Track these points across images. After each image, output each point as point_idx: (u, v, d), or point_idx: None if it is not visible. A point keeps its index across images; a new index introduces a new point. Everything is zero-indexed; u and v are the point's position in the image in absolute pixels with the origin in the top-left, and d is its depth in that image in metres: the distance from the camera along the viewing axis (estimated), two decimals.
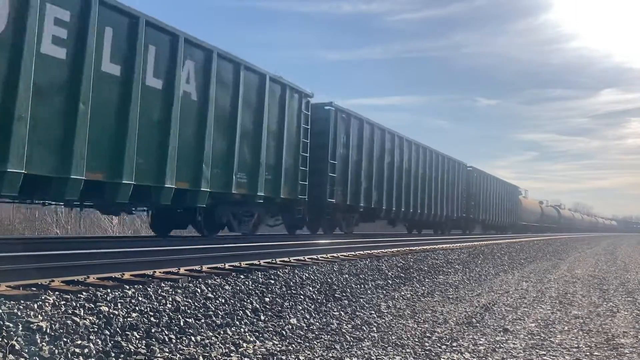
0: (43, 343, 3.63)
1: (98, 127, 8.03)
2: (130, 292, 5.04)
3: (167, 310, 4.86)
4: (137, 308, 4.72)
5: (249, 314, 5.48)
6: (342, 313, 6.28)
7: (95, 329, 4.09)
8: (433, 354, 4.72)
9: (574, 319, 6.81)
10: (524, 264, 15.34)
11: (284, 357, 4.29)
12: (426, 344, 5.06)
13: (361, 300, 7.18)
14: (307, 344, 4.78)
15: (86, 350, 3.68)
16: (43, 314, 4.06)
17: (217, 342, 4.47)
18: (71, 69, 7.61)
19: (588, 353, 5.00)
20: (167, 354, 3.99)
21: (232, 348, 4.38)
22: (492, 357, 4.73)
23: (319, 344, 4.81)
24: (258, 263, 7.84)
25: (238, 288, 6.10)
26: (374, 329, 5.61)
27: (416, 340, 5.20)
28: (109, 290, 4.96)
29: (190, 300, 5.28)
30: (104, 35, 8.14)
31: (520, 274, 12.40)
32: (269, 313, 5.69)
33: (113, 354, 3.78)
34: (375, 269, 9.38)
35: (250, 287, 6.26)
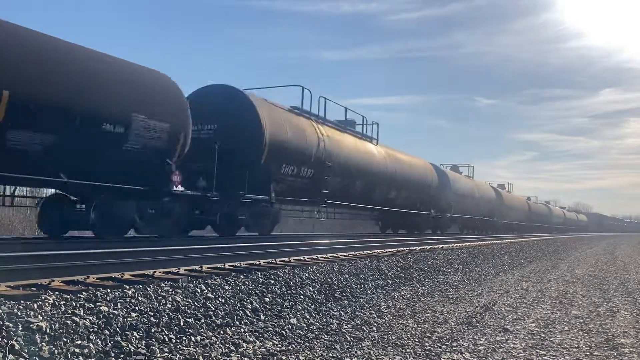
0: (43, 343, 3.63)
1: None
2: (130, 292, 5.04)
3: (167, 310, 4.86)
4: (137, 308, 4.71)
5: (249, 314, 5.47)
6: (342, 313, 6.28)
7: (95, 329, 4.09)
8: (433, 354, 4.72)
9: (574, 319, 6.81)
10: (524, 264, 15.33)
11: (284, 357, 4.29)
12: (426, 344, 5.06)
13: (361, 300, 7.18)
14: (307, 344, 4.78)
15: (86, 350, 3.68)
16: (43, 314, 4.06)
17: (217, 342, 4.47)
18: None
19: (588, 353, 5.00)
20: (167, 354, 3.99)
21: (232, 348, 4.38)
22: (492, 357, 4.73)
23: (319, 344, 4.80)
24: (258, 263, 7.83)
25: (238, 288, 6.10)
26: (374, 329, 5.61)
27: (416, 340, 5.20)
28: (108, 290, 4.95)
29: (190, 300, 5.28)
30: None
31: (520, 274, 12.39)
32: (269, 313, 5.68)
33: (113, 354, 3.78)
34: (375, 269, 9.38)
35: (250, 287, 6.26)
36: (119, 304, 4.69)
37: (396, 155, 20.98)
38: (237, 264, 7.49)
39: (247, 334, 4.87)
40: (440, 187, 25.30)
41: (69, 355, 3.57)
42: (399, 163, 20.71)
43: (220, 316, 5.16)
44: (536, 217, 50.47)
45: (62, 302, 4.38)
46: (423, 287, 8.91)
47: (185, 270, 6.57)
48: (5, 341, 3.49)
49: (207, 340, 4.47)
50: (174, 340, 4.33)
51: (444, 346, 5.01)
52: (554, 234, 49.03)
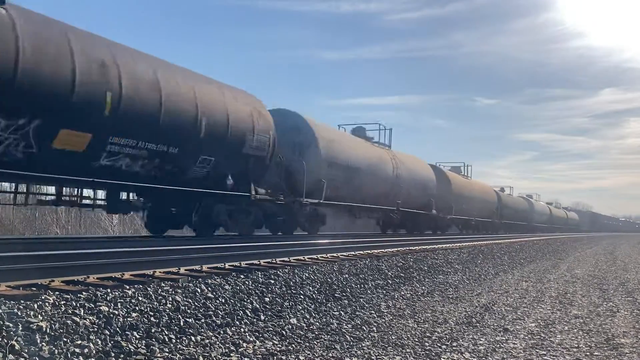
0: (43, 343, 3.63)
1: None
2: (130, 292, 5.04)
3: (167, 310, 4.86)
4: (137, 308, 4.71)
5: (249, 314, 5.47)
6: (342, 313, 6.28)
7: (95, 329, 4.09)
8: (433, 354, 4.72)
9: (574, 318, 6.81)
10: (524, 264, 15.33)
11: (284, 357, 4.29)
12: (426, 344, 5.06)
13: (361, 300, 7.18)
14: (307, 344, 4.78)
15: (86, 350, 3.68)
16: (43, 314, 4.06)
17: (217, 342, 4.47)
18: None
19: (588, 353, 5.00)
20: (167, 354, 3.99)
21: (232, 348, 4.38)
22: (492, 357, 4.73)
23: (319, 344, 4.81)
24: (258, 263, 7.83)
25: (238, 288, 6.10)
26: (374, 328, 5.61)
27: (416, 340, 5.20)
28: (109, 290, 4.95)
29: (190, 300, 5.28)
30: None
31: (520, 274, 12.40)
32: (269, 313, 5.69)
33: (113, 354, 3.78)
34: (375, 268, 9.38)
35: (250, 287, 6.26)
36: (119, 304, 4.68)
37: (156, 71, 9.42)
38: (237, 263, 7.48)
39: (247, 334, 4.87)
40: (294, 152, 14.25)
41: (69, 355, 3.57)
42: (153, 88, 9.18)
43: (220, 316, 5.16)
44: (510, 214, 39.07)
45: (62, 302, 4.38)
46: (423, 287, 8.91)
47: (185, 270, 6.57)
48: (5, 341, 3.49)
49: (207, 340, 4.47)
50: (174, 340, 4.33)
51: (444, 346, 5.01)
52: (553, 234, 48.58)
